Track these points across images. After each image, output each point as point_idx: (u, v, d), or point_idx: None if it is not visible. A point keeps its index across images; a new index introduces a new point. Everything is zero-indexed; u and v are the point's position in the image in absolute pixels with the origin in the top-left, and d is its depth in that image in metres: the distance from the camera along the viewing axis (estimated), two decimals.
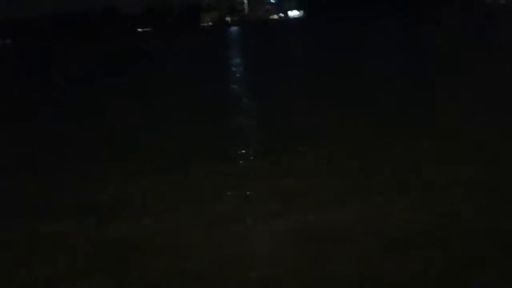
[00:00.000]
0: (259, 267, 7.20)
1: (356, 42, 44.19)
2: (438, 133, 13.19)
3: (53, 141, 16.98)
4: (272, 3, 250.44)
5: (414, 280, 6.31)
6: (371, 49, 35.61)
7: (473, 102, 16.61)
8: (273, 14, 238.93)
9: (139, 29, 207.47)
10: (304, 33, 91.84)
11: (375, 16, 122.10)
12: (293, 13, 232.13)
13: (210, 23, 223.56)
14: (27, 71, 58.99)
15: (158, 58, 55.01)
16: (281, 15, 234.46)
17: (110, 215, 9.72)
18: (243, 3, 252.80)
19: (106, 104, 23.71)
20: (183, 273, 7.17)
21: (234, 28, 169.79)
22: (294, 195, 9.84)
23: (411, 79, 22.82)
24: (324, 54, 33.01)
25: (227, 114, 18.04)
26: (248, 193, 10.40)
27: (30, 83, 40.48)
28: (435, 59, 27.52)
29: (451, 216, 8.13)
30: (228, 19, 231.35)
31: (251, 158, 13.49)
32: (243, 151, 13.78)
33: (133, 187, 11.38)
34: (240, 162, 12.94)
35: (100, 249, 8.29)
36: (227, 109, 19.42)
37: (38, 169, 13.70)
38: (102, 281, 7.19)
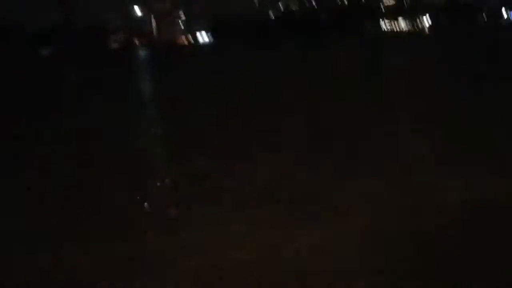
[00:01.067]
0: None
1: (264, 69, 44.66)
2: None
3: None
4: (181, 26, 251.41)
5: None
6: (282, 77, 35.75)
7: None
8: (181, 37, 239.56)
9: (41, 51, 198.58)
10: (212, 59, 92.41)
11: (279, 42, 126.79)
12: (202, 38, 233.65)
13: (117, 45, 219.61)
14: None
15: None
16: (190, 39, 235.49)
17: None
18: (151, 25, 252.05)
19: None
20: None
21: (142, 52, 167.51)
22: None
23: None
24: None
25: None
26: None
27: None
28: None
29: None
30: (136, 41, 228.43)
31: None
32: None
33: None
34: None
35: None
36: None
37: None
38: None
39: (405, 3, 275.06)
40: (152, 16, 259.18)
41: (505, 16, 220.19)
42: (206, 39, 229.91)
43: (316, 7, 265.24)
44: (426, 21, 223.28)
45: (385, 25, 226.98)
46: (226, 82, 38.39)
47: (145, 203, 11.86)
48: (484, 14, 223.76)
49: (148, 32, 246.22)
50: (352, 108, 20.49)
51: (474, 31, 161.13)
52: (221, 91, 32.30)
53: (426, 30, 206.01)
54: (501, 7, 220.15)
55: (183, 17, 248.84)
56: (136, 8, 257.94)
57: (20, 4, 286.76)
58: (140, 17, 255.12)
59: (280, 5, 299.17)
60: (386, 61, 50.06)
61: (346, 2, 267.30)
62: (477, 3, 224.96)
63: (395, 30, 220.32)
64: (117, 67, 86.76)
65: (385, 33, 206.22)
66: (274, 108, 20.87)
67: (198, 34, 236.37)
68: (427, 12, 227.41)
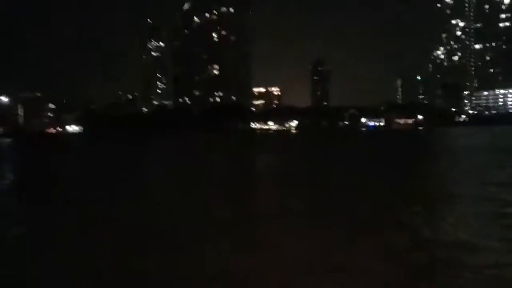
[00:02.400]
0: None
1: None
2: None
3: None
4: (50, 116, 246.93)
5: None
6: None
7: None
8: (50, 127, 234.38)
9: None
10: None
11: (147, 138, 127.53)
12: (72, 128, 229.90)
13: None
14: None
15: None
16: (59, 129, 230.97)
17: None
18: (16, 113, 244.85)
19: None
20: None
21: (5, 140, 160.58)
22: None
23: None
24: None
25: None
26: None
27: None
28: None
29: None
30: None
31: None
32: None
33: None
34: None
35: None
36: None
37: None
38: None
39: (273, 104, 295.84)
40: (18, 105, 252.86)
41: (365, 122, 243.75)
42: (76, 129, 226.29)
43: (189, 103, 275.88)
44: (293, 122, 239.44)
45: (255, 124, 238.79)
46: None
47: None
48: (345, 120, 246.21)
49: (13, 120, 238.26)
50: None
51: (332, 131, 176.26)
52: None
53: (293, 129, 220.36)
54: (361, 117, 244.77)
55: (53, 107, 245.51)
56: (2, 97, 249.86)
57: None
58: (6, 105, 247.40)
59: (154, 101, 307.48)
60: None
61: (217, 99, 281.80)
62: (340, 111, 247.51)
63: (265, 128, 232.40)
64: None
65: (255, 130, 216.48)
66: None
67: (67, 125, 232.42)
68: (295, 115, 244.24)
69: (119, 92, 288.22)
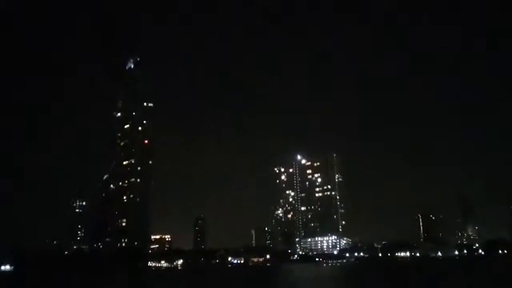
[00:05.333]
0: None
1: None
2: None
3: None
4: None
5: None
6: None
7: None
8: None
9: None
10: None
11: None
12: (4, 267, 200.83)
13: None
14: None
15: None
16: None
17: None
18: None
19: None
20: None
21: None
22: None
23: None
24: None
25: None
26: None
27: None
28: None
29: None
30: None
31: None
32: None
33: None
34: None
35: None
36: None
37: None
38: None
39: (165, 248, 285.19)
40: None
41: (230, 260, 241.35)
42: (8, 267, 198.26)
43: (101, 247, 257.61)
44: (180, 261, 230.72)
45: (151, 263, 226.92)
46: None
47: None
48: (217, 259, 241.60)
49: None
50: None
51: (208, 268, 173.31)
52: None
53: (179, 267, 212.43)
54: (228, 256, 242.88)
55: None
56: None
57: None
58: None
59: (74, 245, 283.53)
60: None
61: (124, 244, 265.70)
62: (213, 252, 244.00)
63: (158, 266, 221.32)
64: None
65: (152, 268, 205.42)
66: None
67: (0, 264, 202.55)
68: (181, 255, 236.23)
69: (47, 240, 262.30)
